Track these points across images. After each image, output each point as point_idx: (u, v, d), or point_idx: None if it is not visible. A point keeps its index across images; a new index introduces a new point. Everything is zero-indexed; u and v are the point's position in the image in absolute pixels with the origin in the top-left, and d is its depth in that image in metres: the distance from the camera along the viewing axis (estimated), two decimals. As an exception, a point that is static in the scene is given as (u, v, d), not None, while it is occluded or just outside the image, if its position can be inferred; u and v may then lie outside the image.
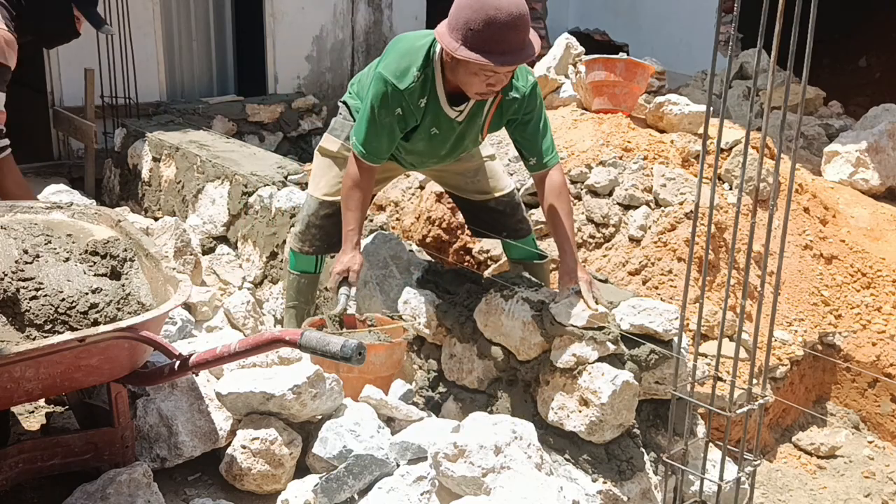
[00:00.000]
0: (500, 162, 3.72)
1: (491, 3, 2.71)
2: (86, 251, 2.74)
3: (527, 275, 3.34)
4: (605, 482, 2.85)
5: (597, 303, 2.92)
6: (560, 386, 2.92)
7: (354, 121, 3.28)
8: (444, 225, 4.46)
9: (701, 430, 3.03)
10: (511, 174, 4.24)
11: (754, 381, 2.47)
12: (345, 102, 3.47)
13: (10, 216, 3.00)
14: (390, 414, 2.94)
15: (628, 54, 5.37)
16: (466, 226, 3.72)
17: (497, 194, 3.47)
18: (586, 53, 5.33)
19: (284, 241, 4.06)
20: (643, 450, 2.95)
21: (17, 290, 2.47)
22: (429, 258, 3.65)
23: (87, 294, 2.56)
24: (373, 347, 2.99)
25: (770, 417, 3.94)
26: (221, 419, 2.77)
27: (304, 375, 2.72)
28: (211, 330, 3.65)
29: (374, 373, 3.00)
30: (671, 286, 3.99)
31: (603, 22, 9.31)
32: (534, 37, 2.84)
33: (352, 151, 3.10)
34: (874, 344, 4.14)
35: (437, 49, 2.94)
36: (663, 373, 2.91)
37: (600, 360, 2.86)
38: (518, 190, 3.78)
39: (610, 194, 4.38)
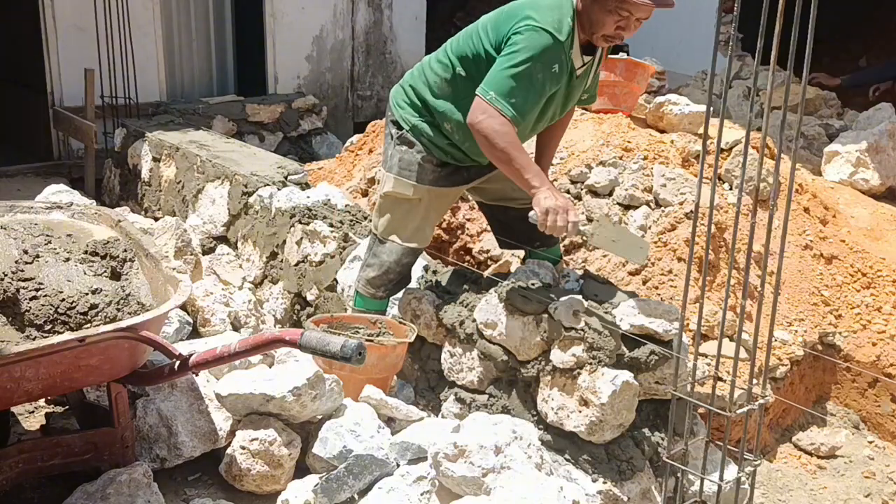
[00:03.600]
0: None
1: None
2: (86, 251, 2.74)
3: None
4: (605, 482, 2.85)
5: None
6: (560, 386, 2.92)
7: (425, 150, 3.13)
8: (444, 225, 4.46)
9: (701, 430, 3.03)
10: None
11: (754, 381, 2.47)
12: (398, 122, 3.21)
13: (10, 216, 3.00)
14: (390, 414, 2.94)
15: (628, 54, 5.36)
16: (495, 237, 3.60)
17: None
18: (586, 53, 5.32)
19: (284, 242, 4.06)
20: (643, 450, 2.95)
21: (17, 290, 2.47)
22: (429, 258, 3.65)
23: (87, 294, 2.56)
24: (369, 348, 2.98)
25: (770, 417, 3.93)
26: (221, 419, 2.77)
27: (304, 377, 2.72)
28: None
29: (367, 373, 2.99)
30: (671, 286, 3.98)
31: (603, 22, 9.29)
32: None
33: (495, 108, 2.78)
34: (874, 344, 4.14)
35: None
36: (663, 373, 2.90)
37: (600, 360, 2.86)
38: None
39: (610, 194, 4.38)
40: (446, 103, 3.07)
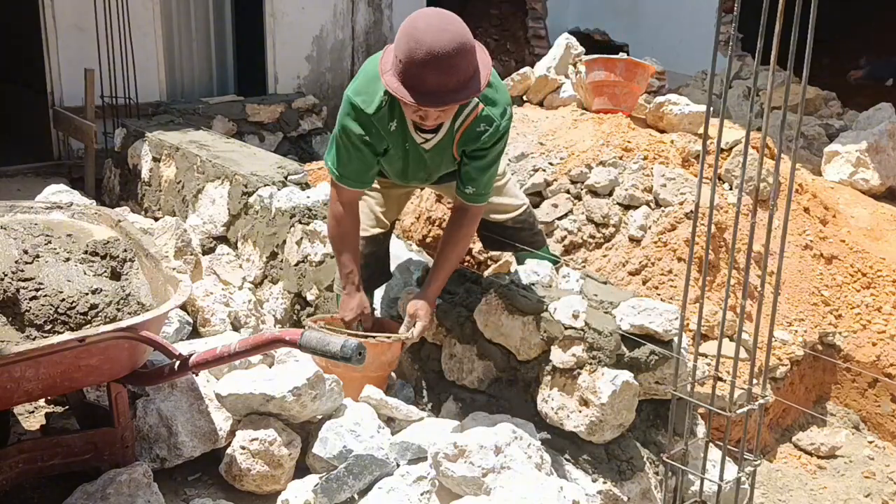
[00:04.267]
0: (515, 178, 3.63)
1: (419, 38, 2.53)
2: (86, 251, 2.74)
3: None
4: (605, 482, 2.85)
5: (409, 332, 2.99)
6: (560, 386, 2.92)
7: None
8: (443, 225, 4.46)
9: (701, 430, 3.03)
10: (513, 173, 4.23)
11: (754, 381, 2.47)
12: None
13: (10, 216, 3.00)
14: (390, 414, 2.94)
15: (628, 54, 5.37)
16: (478, 237, 3.63)
17: (514, 213, 3.43)
18: (586, 53, 5.33)
19: (284, 242, 4.06)
20: (643, 450, 2.95)
21: (17, 290, 2.47)
22: (428, 258, 3.65)
23: (87, 294, 2.56)
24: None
25: (770, 417, 3.94)
26: (221, 419, 2.77)
27: (304, 377, 2.72)
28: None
29: (363, 371, 2.99)
30: (671, 286, 3.99)
31: (603, 22, 9.31)
32: (481, 73, 2.63)
33: (329, 178, 3.00)
34: (874, 344, 4.14)
35: None
36: (663, 373, 2.91)
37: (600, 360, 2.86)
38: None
39: (610, 194, 4.38)
40: None
